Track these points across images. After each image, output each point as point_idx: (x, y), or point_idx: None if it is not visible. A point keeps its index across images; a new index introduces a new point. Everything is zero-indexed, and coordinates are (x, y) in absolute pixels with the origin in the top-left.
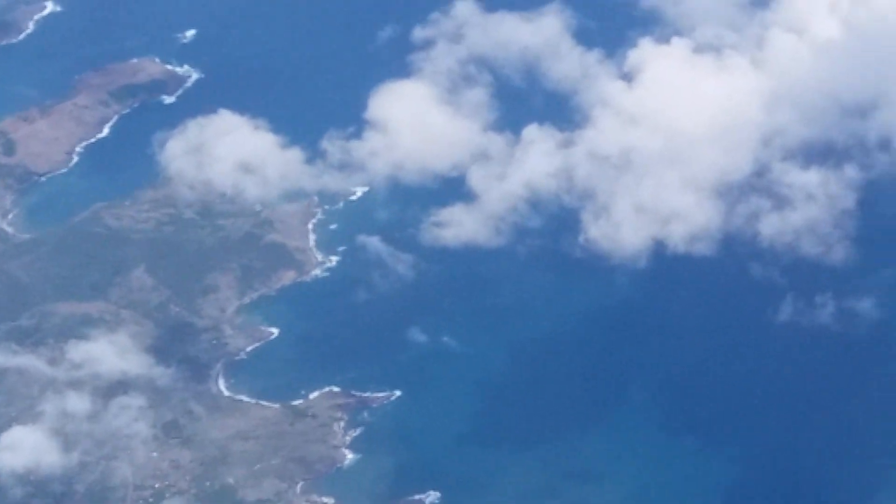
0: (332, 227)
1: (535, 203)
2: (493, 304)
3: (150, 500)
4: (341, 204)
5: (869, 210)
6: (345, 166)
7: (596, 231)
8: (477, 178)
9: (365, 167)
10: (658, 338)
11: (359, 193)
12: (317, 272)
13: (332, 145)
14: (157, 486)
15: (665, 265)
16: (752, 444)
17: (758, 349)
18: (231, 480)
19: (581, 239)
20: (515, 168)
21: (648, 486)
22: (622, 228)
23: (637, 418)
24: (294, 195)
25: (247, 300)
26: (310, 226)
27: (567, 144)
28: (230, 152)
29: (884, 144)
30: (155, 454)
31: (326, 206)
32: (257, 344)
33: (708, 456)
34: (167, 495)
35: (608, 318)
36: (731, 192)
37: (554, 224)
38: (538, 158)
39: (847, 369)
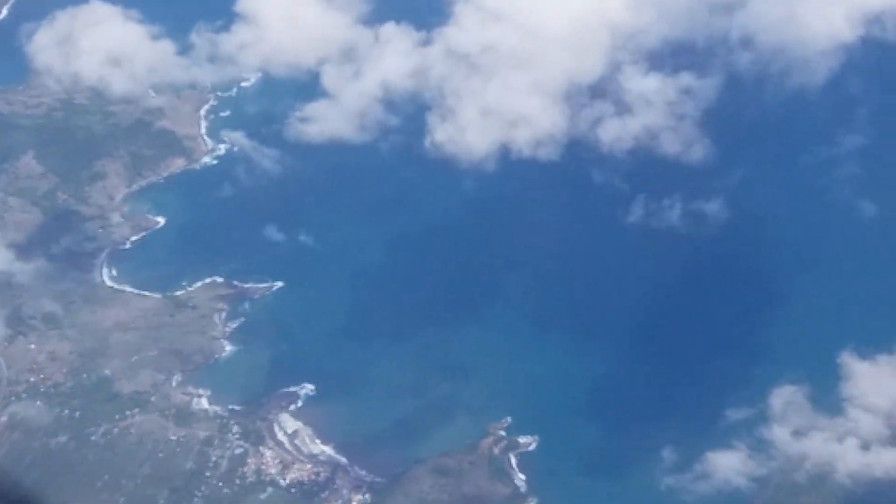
0: (224, 114)
1: (392, 102)
2: (363, 200)
3: (24, 395)
4: (220, 94)
5: (727, 110)
6: (215, 59)
7: (442, 133)
8: (334, 75)
9: (236, 60)
10: (515, 239)
11: (245, 84)
12: (206, 160)
13: (201, 38)
14: (31, 379)
15: (512, 168)
16: (614, 339)
17: (610, 250)
18: (108, 372)
19: (428, 141)
20: (372, 65)
21: (515, 380)
22: (468, 131)
23: (504, 314)
24: (163, 88)
25: (135, 188)
26: (202, 112)
27: (426, 42)
28: (99, 43)
29: (746, 42)
30: (33, 346)
31: (219, 94)
32: (143, 233)
33: (573, 351)
34: (41, 389)
35: (468, 218)
36: (579, 95)
37: (412, 123)
38: (395, 56)
39: (696, 269)
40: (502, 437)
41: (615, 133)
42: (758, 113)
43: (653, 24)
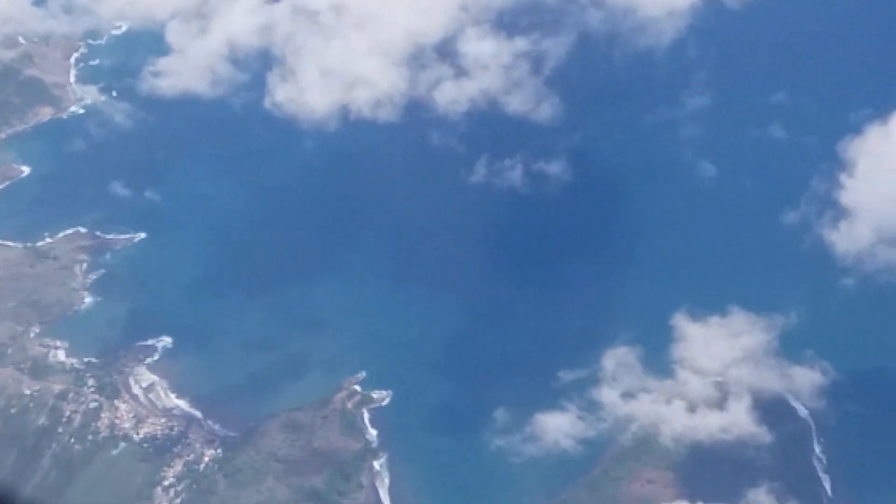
0: (94, 62)
1: (239, 58)
2: (216, 155)
3: None
4: (91, 42)
5: (574, 70)
6: (71, 10)
7: (283, 93)
8: (181, 31)
9: (92, 12)
10: (363, 197)
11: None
12: (74, 109)
13: None
14: None
15: (353, 129)
16: (462, 297)
17: (453, 209)
18: None
19: (268, 101)
20: (220, 21)
21: (370, 335)
22: (309, 91)
23: (357, 270)
24: (20, 38)
25: (2, 136)
26: (71, 61)
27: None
28: None
29: (597, 2)
30: None
31: (90, 41)
32: (7, 182)
33: (425, 307)
34: None
35: (317, 176)
36: (421, 57)
37: (261, 80)
38: (243, 12)
39: (536, 229)
40: (356, 392)
41: (454, 95)
42: (605, 73)
43: None
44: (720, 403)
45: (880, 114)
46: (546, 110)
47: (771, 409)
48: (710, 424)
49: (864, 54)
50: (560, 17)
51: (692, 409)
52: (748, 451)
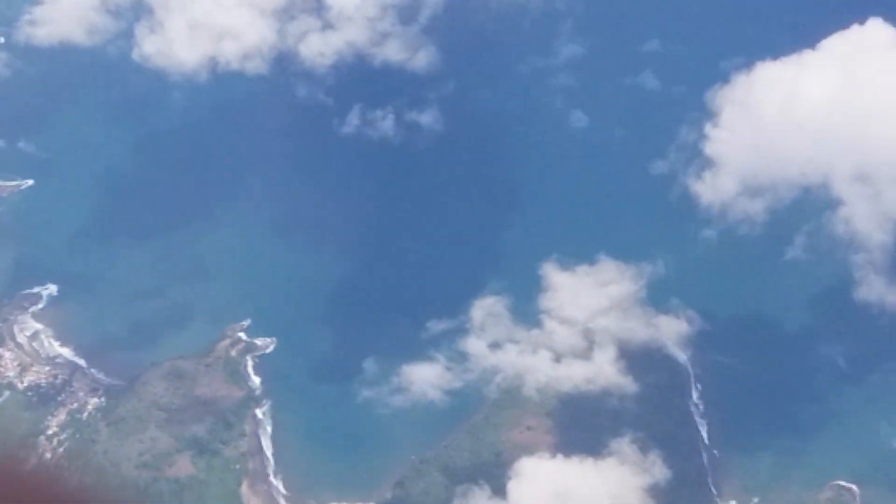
0: None
1: (114, 7)
2: (95, 104)
3: None
4: None
5: (448, 20)
6: None
7: (151, 45)
8: None
9: None
10: (240, 149)
11: None
12: None
13: None
14: None
15: (222, 81)
16: (341, 245)
17: (328, 160)
18: None
19: (136, 53)
20: None
21: (255, 282)
22: (176, 44)
23: (240, 218)
24: None
25: None
26: None
27: None
28: None
29: None
30: None
31: None
32: None
33: (307, 253)
34: None
35: (193, 127)
36: (288, 9)
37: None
38: None
39: (409, 179)
40: (240, 340)
41: (322, 46)
42: (479, 22)
43: None
44: (586, 353)
45: (750, 62)
46: (419, 60)
47: (638, 358)
48: (576, 374)
49: (739, 1)
50: None
51: (558, 359)
52: (612, 401)
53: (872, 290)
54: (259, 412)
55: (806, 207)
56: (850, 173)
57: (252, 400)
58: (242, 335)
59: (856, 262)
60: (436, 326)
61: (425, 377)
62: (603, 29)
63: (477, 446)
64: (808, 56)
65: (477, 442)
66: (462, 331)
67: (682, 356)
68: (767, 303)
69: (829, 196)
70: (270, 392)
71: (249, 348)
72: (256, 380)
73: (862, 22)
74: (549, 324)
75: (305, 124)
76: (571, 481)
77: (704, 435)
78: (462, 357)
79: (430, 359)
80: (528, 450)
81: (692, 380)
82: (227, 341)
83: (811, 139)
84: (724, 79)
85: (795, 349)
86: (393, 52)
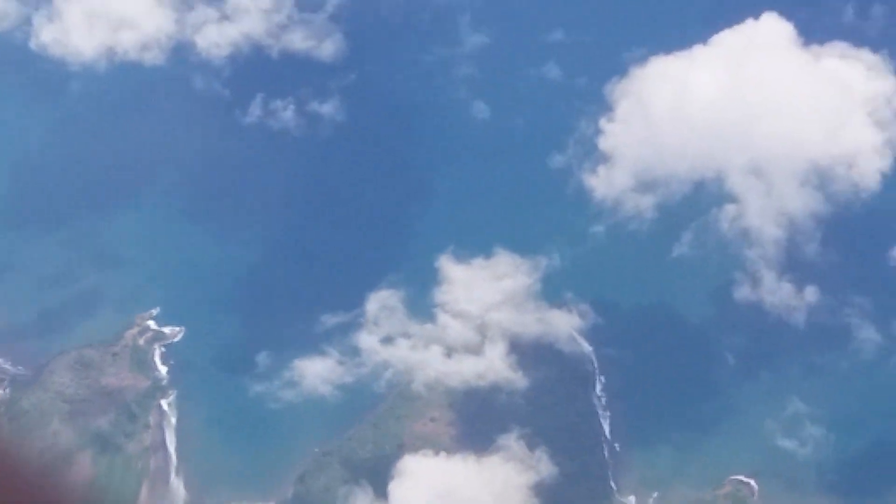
0: None
1: None
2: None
3: None
4: None
5: (352, 9)
6: None
7: (48, 34)
8: None
9: None
10: (144, 136)
11: None
12: None
13: None
14: None
15: (122, 71)
16: (251, 232)
17: (231, 150)
18: None
19: (33, 42)
20: None
21: (165, 270)
22: (74, 33)
23: (150, 206)
24: None
25: None
26: None
27: None
28: None
29: None
30: None
31: None
32: None
33: (215, 242)
34: None
35: (94, 117)
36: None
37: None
38: None
39: (309, 170)
40: (148, 328)
41: (220, 37)
42: (385, 10)
43: None
44: (478, 348)
45: (653, 54)
46: (324, 49)
47: (531, 352)
48: (467, 370)
49: None
50: None
51: (449, 354)
52: (502, 397)
53: (765, 285)
54: (164, 403)
55: (698, 202)
56: (743, 168)
57: (158, 390)
58: (151, 323)
59: (749, 257)
60: (330, 320)
61: (317, 372)
62: (508, 18)
63: (380, 438)
64: (699, 51)
65: (379, 433)
66: (356, 325)
67: (586, 348)
68: (659, 298)
69: (722, 191)
70: (176, 382)
71: (157, 337)
72: (163, 369)
73: (756, 17)
74: (443, 318)
75: (206, 114)
76: (455, 479)
77: (607, 428)
78: (354, 351)
79: (323, 353)
80: (431, 442)
81: (596, 372)
82: (135, 329)
83: (703, 134)
84: (624, 71)
85: (687, 345)
86: (298, 40)
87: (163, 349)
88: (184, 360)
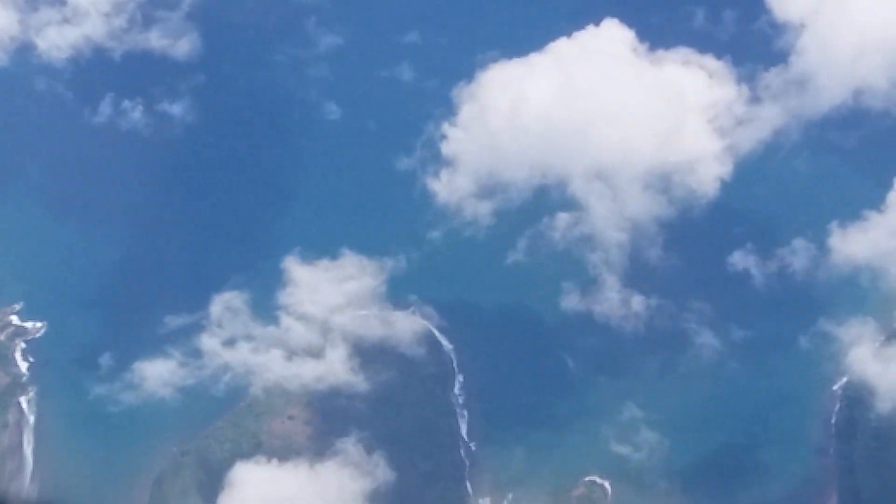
0: None
1: None
2: None
3: None
4: None
5: (208, 9)
6: None
7: None
8: None
9: None
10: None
11: None
12: None
13: None
14: None
15: None
16: (114, 228)
17: (80, 149)
18: None
19: None
20: None
21: (28, 264)
22: None
23: (13, 201)
24: None
25: None
26: None
27: None
28: None
29: None
30: None
31: None
32: None
33: (78, 239)
34: None
35: None
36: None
37: None
38: None
39: (158, 170)
40: (10, 324)
41: (62, 39)
42: (242, 11)
43: None
44: (321, 351)
45: (506, 56)
46: (179, 49)
47: (375, 354)
48: (307, 373)
49: None
50: None
51: (290, 357)
52: (341, 401)
53: (606, 290)
54: (24, 400)
55: (539, 208)
56: (585, 174)
57: (18, 387)
58: (14, 318)
59: (592, 261)
60: (174, 321)
61: (157, 374)
62: (364, 19)
63: (238, 436)
64: (538, 57)
65: (239, 432)
66: (199, 326)
67: (447, 346)
68: (502, 302)
69: (564, 197)
70: (37, 379)
71: (19, 332)
72: (24, 365)
73: (597, 23)
74: (286, 320)
75: (54, 115)
76: (288, 487)
77: (464, 428)
78: (197, 354)
79: (167, 355)
80: (288, 440)
81: (455, 371)
82: None
83: (542, 140)
84: (473, 74)
85: (533, 349)
86: (154, 39)
87: (24, 345)
88: (45, 356)
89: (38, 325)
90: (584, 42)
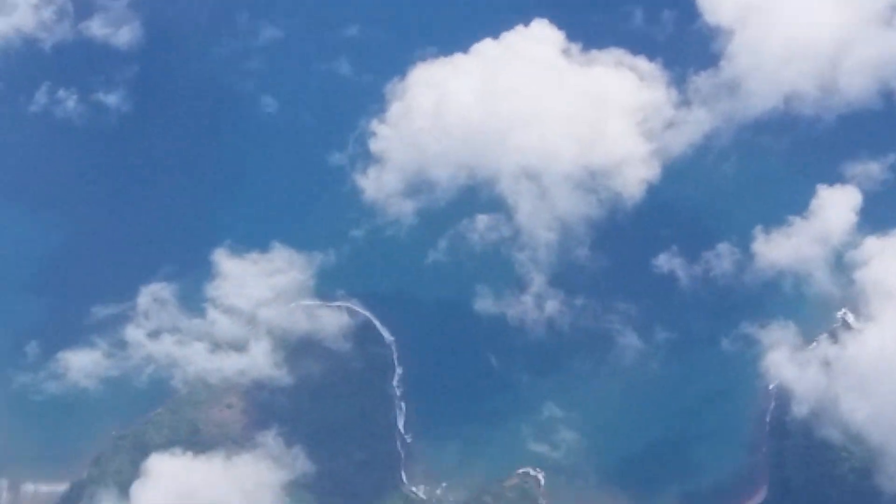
0: None
1: None
2: None
3: None
4: None
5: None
6: None
7: None
8: None
9: None
10: None
11: None
12: None
13: None
14: None
15: None
16: (47, 216)
17: (22, 136)
18: None
19: None
20: None
21: None
22: None
23: None
24: None
25: None
26: None
27: None
28: None
29: None
30: None
31: None
32: None
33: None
34: None
35: None
36: None
37: None
38: None
39: (94, 160)
40: None
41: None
42: (183, 3)
43: None
44: (245, 344)
45: (442, 53)
46: (120, 38)
47: (302, 348)
48: (230, 366)
49: None
50: None
51: (214, 350)
52: (265, 394)
53: (532, 289)
54: None
55: (466, 207)
56: (513, 174)
57: None
58: None
59: (518, 260)
60: (102, 311)
61: (82, 364)
62: (305, 12)
63: (177, 423)
64: (464, 57)
65: (177, 419)
66: (126, 317)
67: (388, 338)
68: (429, 299)
69: (492, 196)
70: None
71: None
72: None
73: (527, 23)
74: (213, 313)
75: None
76: (201, 479)
77: (401, 420)
78: (122, 345)
79: (92, 345)
80: (225, 428)
81: (395, 364)
82: None
83: (469, 140)
84: (406, 71)
85: (461, 347)
86: (95, 27)
87: None
88: None
89: None
90: (511, 42)
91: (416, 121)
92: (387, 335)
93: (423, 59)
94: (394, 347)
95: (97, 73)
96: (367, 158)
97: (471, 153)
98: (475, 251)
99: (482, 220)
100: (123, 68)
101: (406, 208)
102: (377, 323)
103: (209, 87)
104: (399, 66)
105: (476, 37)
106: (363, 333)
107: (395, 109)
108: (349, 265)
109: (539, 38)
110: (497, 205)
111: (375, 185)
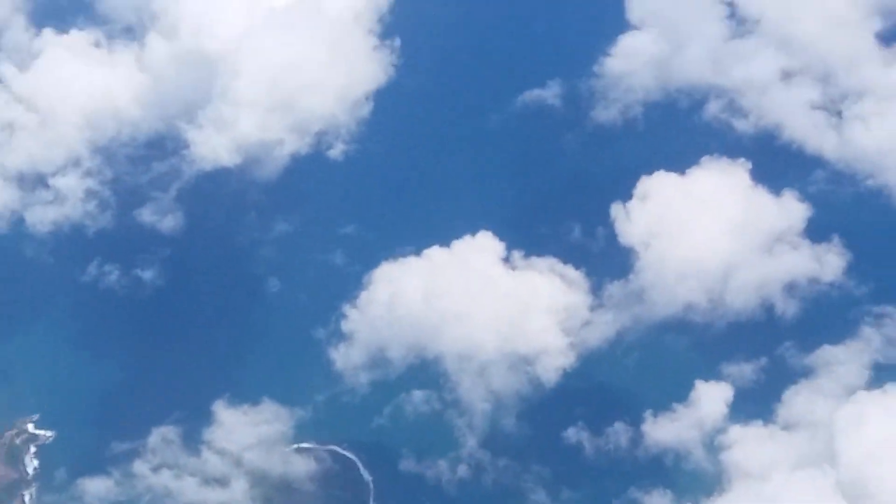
0: None
1: None
2: None
3: None
4: None
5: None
6: None
7: None
8: None
9: None
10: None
11: None
12: None
13: None
14: None
15: None
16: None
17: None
18: None
19: None
20: None
21: (43, 380)
22: None
23: (36, 332)
24: None
25: None
26: None
27: None
28: None
29: None
30: None
31: None
32: None
33: (86, 362)
34: None
35: None
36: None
37: None
38: None
39: (125, 320)
40: (26, 431)
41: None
42: (219, 200)
43: None
44: (227, 481)
45: (417, 252)
46: (164, 224)
47: (274, 488)
48: (213, 499)
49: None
50: None
51: (202, 484)
52: None
53: (467, 449)
54: (27, 494)
55: (414, 380)
56: (457, 354)
57: (24, 482)
58: (30, 426)
59: (458, 425)
60: (119, 447)
61: (97, 490)
62: (312, 211)
63: None
64: (416, 260)
65: None
66: (137, 452)
67: (367, 477)
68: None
69: (438, 371)
70: (41, 477)
71: (32, 438)
72: (34, 464)
73: (474, 233)
74: (206, 453)
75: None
76: None
77: None
78: (131, 475)
79: (107, 474)
80: None
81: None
82: (13, 431)
83: (420, 327)
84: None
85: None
86: (146, 215)
87: (36, 448)
88: (51, 459)
89: (49, 433)
90: (457, 250)
91: (377, 308)
92: (366, 475)
93: (402, 255)
94: (371, 486)
95: (139, 252)
96: (340, 336)
97: (419, 338)
98: (417, 418)
99: (420, 394)
100: (160, 249)
101: (361, 379)
102: (359, 464)
103: (228, 268)
104: (381, 260)
105: (437, 241)
106: (340, 474)
107: (363, 297)
108: (317, 420)
109: (482, 248)
110: (441, 379)
111: (343, 358)
